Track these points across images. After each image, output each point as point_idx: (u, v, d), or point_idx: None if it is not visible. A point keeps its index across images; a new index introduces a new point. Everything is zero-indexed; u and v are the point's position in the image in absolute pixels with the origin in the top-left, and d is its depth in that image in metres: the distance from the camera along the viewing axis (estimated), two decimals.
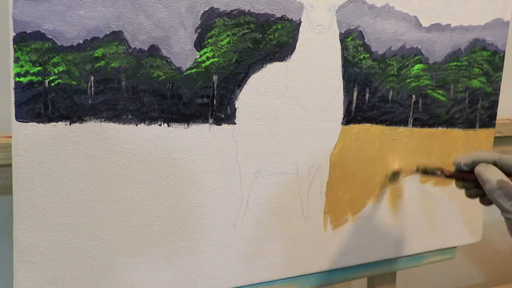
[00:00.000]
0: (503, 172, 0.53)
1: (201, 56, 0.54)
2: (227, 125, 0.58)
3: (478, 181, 0.54)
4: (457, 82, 0.74)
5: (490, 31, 0.76)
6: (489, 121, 0.80)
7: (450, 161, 0.77)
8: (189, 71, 0.54)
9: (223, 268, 0.61)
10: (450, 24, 0.72)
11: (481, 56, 0.76)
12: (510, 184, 0.52)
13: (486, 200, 0.57)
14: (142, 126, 0.53)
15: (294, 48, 0.60)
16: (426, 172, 0.65)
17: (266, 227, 0.63)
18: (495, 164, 0.54)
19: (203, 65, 0.55)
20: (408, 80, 0.70)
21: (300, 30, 0.60)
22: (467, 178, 0.58)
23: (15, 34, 0.45)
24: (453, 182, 0.61)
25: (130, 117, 0.52)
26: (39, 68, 0.47)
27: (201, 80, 0.55)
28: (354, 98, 0.66)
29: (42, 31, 0.46)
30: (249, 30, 0.57)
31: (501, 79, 0.79)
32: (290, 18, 0.59)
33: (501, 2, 0.76)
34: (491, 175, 0.53)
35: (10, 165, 0.49)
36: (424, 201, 0.76)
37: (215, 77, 0.56)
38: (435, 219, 0.78)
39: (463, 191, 0.61)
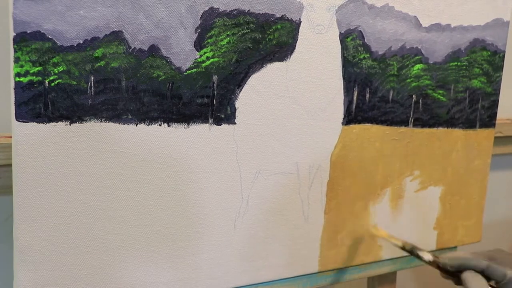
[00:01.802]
0: (493, 280, 0.52)
1: (201, 56, 0.54)
2: (227, 125, 0.58)
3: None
4: (457, 82, 0.74)
5: (490, 31, 0.76)
6: (489, 121, 0.80)
7: (450, 162, 0.77)
8: (189, 71, 0.54)
9: (223, 268, 0.61)
10: (450, 24, 0.72)
11: (481, 56, 0.76)
12: None
13: None
14: (142, 126, 0.53)
15: (294, 48, 0.60)
16: (412, 252, 0.63)
17: (266, 227, 0.63)
18: (482, 272, 0.53)
19: (203, 65, 0.55)
20: (409, 80, 0.70)
21: (300, 30, 0.60)
22: (452, 277, 0.56)
23: (15, 34, 0.45)
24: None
25: (130, 117, 0.52)
26: (39, 68, 0.47)
27: (201, 80, 0.55)
28: (355, 98, 0.66)
29: (42, 31, 0.46)
30: (249, 30, 0.57)
31: (501, 79, 0.79)
32: (290, 18, 0.59)
33: (501, 2, 0.76)
34: (478, 286, 0.51)
35: (10, 165, 0.49)
36: (424, 201, 0.76)
37: (215, 77, 0.56)
38: (435, 219, 0.78)
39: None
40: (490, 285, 0.52)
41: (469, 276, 0.52)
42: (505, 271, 0.51)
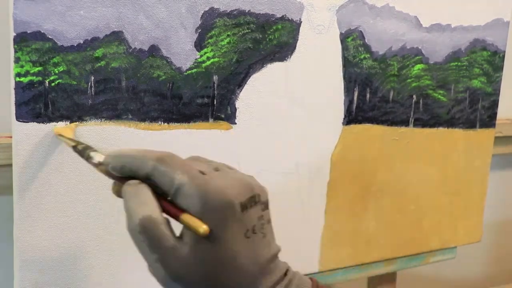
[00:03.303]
0: (160, 191, 0.36)
1: (201, 56, 0.54)
2: (228, 125, 0.58)
3: None
4: (458, 82, 0.74)
5: (490, 31, 0.76)
6: (489, 121, 0.80)
7: (450, 162, 0.77)
8: (189, 71, 0.54)
9: None
10: (450, 24, 0.72)
11: (481, 56, 0.76)
12: (159, 227, 0.34)
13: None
14: (142, 126, 0.53)
15: (295, 48, 0.60)
16: (82, 153, 0.43)
17: None
18: (149, 178, 0.36)
19: (203, 65, 0.55)
20: (409, 80, 0.70)
21: (300, 30, 0.60)
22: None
23: (15, 34, 0.45)
24: None
25: (130, 117, 0.52)
26: (39, 68, 0.47)
27: (202, 80, 0.55)
28: (355, 98, 0.66)
29: (42, 31, 0.46)
30: (250, 30, 0.57)
31: (501, 79, 0.79)
32: (290, 18, 0.59)
33: (501, 2, 0.76)
34: (139, 206, 0.34)
35: (10, 165, 0.49)
36: (424, 201, 0.76)
37: (215, 77, 0.56)
38: (435, 219, 0.78)
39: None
40: (165, 198, 0.36)
41: (129, 192, 0.35)
42: (173, 176, 0.35)
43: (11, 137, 0.48)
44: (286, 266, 0.40)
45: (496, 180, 1.10)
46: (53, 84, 0.48)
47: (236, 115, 0.58)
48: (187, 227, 0.34)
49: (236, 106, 0.58)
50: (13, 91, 0.46)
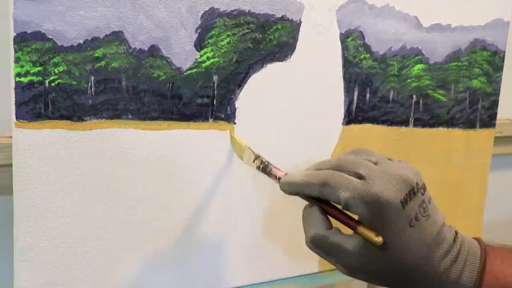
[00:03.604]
0: (333, 203, 0.42)
1: (201, 56, 0.54)
2: (228, 125, 0.58)
3: None
4: (458, 82, 0.74)
5: (490, 31, 0.76)
6: (489, 121, 0.80)
7: (450, 162, 0.77)
8: (189, 71, 0.54)
9: (223, 268, 0.61)
10: (450, 24, 0.72)
11: (481, 56, 0.76)
12: (327, 240, 0.41)
13: None
14: (142, 126, 0.53)
15: (295, 48, 0.60)
16: (262, 170, 0.51)
17: (267, 227, 0.63)
18: (319, 198, 0.42)
19: (203, 65, 0.55)
20: (409, 80, 0.70)
21: (300, 30, 0.60)
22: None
23: (15, 34, 0.45)
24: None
25: (130, 117, 0.52)
26: (39, 68, 0.47)
27: (201, 80, 0.55)
28: (355, 98, 0.66)
29: (42, 31, 0.46)
30: (249, 30, 0.57)
31: (501, 79, 0.79)
32: (290, 18, 0.59)
33: (501, 2, 0.76)
34: (308, 228, 0.43)
35: (10, 165, 0.49)
36: None
37: (215, 77, 0.56)
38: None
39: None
40: (342, 212, 0.42)
41: (303, 216, 0.43)
42: (338, 195, 0.40)
43: (11, 137, 0.48)
44: (452, 231, 0.42)
45: (496, 180, 1.10)
46: (53, 84, 0.48)
47: (236, 115, 0.58)
48: (364, 238, 0.40)
49: (236, 106, 0.58)
50: (13, 91, 0.46)
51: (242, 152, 0.56)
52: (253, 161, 0.52)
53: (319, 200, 0.43)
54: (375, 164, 0.42)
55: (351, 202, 0.40)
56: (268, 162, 0.51)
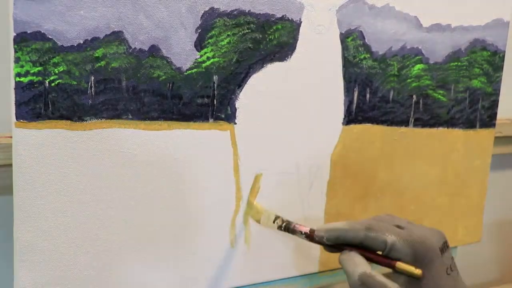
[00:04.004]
0: (373, 251, 0.46)
1: (201, 56, 0.54)
2: (228, 125, 0.58)
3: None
4: (458, 82, 0.74)
5: (490, 31, 0.76)
6: (489, 121, 0.80)
7: (450, 162, 0.77)
8: (190, 71, 0.54)
9: (224, 268, 0.61)
10: (450, 24, 0.72)
11: (481, 56, 0.76)
12: (374, 278, 0.44)
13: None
14: (142, 126, 0.53)
15: (295, 48, 0.60)
16: (285, 228, 0.53)
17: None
18: (362, 244, 0.46)
19: (204, 65, 0.55)
20: (409, 80, 0.70)
21: (300, 30, 0.60)
22: (336, 250, 0.49)
23: (15, 34, 0.45)
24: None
25: (130, 117, 0.52)
26: (39, 68, 0.47)
27: (202, 80, 0.55)
28: (355, 98, 0.66)
29: (42, 31, 0.46)
30: (250, 30, 0.57)
31: (501, 79, 0.79)
32: (290, 18, 0.59)
33: (501, 2, 0.76)
34: (354, 267, 0.45)
35: (10, 165, 0.49)
36: (424, 201, 0.76)
37: (215, 77, 0.56)
38: (435, 219, 0.78)
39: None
40: (379, 255, 0.46)
41: (344, 255, 0.47)
42: (385, 239, 0.45)
43: (11, 137, 0.48)
44: None
45: (496, 180, 1.10)
46: (53, 84, 0.48)
47: (236, 115, 0.58)
48: (403, 272, 0.44)
49: (236, 106, 0.58)
50: (13, 91, 0.46)
51: (260, 215, 0.58)
52: (274, 222, 0.55)
53: (352, 246, 0.47)
54: (408, 223, 0.48)
55: (396, 245, 0.44)
56: (289, 220, 0.54)
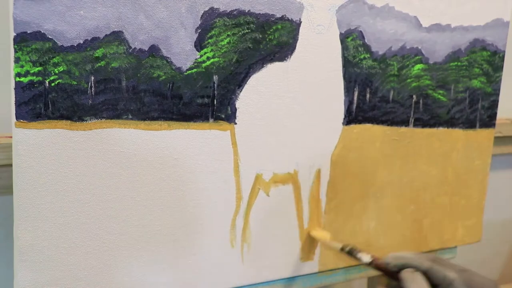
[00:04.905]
0: (433, 282, 0.49)
1: (201, 56, 0.54)
2: (228, 125, 0.58)
3: None
4: (458, 82, 0.74)
5: (490, 31, 0.76)
6: (489, 121, 0.80)
7: (450, 162, 0.77)
8: (190, 71, 0.54)
9: (223, 268, 0.61)
10: (450, 24, 0.72)
11: (481, 56, 0.76)
12: None
13: None
14: (142, 126, 0.53)
15: (294, 48, 0.60)
16: (351, 254, 0.58)
17: (267, 227, 0.63)
18: (425, 272, 0.49)
19: (204, 65, 0.55)
20: (409, 80, 0.70)
21: (300, 30, 0.60)
22: (395, 277, 0.52)
23: (15, 34, 0.45)
24: None
25: (130, 117, 0.52)
26: (39, 68, 0.47)
27: (202, 80, 0.55)
28: (355, 98, 0.66)
29: (42, 31, 0.46)
30: (249, 30, 0.57)
31: (501, 79, 0.79)
32: (290, 18, 0.59)
33: (501, 2, 0.76)
34: (417, 286, 0.48)
35: (10, 165, 0.49)
36: (424, 201, 0.76)
37: (215, 77, 0.56)
38: (435, 219, 0.78)
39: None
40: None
41: (408, 276, 0.49)
42: (446, 273, 0.48)
43: (11, 137, 0.48)
44: None
45: (496, 180, 1.10)
46: (53, 84, 0.48)
47: (236, 115, 0.58)
48: None
49: (236, 106, 0.58)
50: (13, 91, 0.46)
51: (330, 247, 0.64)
52: (341, 249, 0.60)
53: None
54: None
55: (455, 283, 0.47)
56: (353, 247, 0.59)
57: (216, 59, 0.55)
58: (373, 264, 0.55)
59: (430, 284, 0.48)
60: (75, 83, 0.49)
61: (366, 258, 0.55)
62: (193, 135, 0.56)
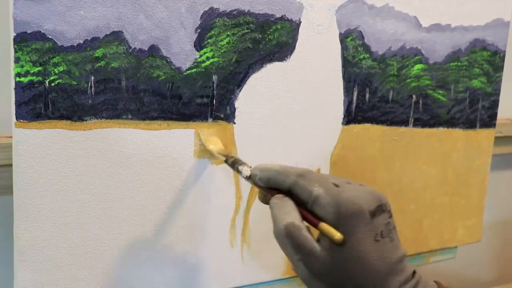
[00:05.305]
0: (300, 200, 0.41)
1: (201, 56, 0.54)
2: (227, 124, 0.58)
3: None
4: (458, 82, 0.74)
5: (490, 31, 0.76)
6: (489, 121, 0.80)
7: (450, 162, 0.77)
8: (189, 71, 0.54)
9: (223, 268, 0.61)
10: (450, 24, 0.72)
11: (481, 56, 0.76)
12: (301, 232, 0.40)
13: None
14: (142, 125, 0.53)
15: (294, 48, 0.60)
16: (233, 166, 0.52)
17: (267, 227, 0.63)
18: (290, 191, 0.42)
19: (203, 65, 0.55)
20: (408, 80, 0.70)
21: (299, 30, 0.60)
22: (267, 198, 0.45)
23: (15, 34, 0.45)
24: None
25: (130, 117, 0.52)
26: (39, 68, 0.47)
27: (201, 80, 0.55)
28: (354, 98, 0.66)
29: (42, 31, 0.46)
30: (249, 30, 0.57)
31: (501, 79, 0.79)
32: (289, 18, 0.59)
33: (501, 2, 0.76)
34: (283, 214, 0.41)
35: (10, 165, 0.49)
36: (424, 201, 0.76)
37: (215, 77, 0.56)
38: (435, 219, 0.78)
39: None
40: (307, 210, 0.41)
41: (275, 199, 0.42)
42: (312, 189, 0.40)
43: (11, 137, 0.48)
44: (413, 268, 0.42)
45: (496, 180, 1.10)
46: (53, 84, 0.48)
47: (236, 115, 0.58)
48: (324, 234, 0.39)
49: (236, 106, 0.58)
50: (13, 91, 0.46)
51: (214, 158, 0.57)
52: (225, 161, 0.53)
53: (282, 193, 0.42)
54: (348, 183, 0.43)
55: (321, 199, 0.40)
56: (238, 159, 0.52)
57: (215, 59, 0.55)
58: (250, 180, 0.47)
59: (297, 202, 0.41)
60: (75, 83, 0.49)
61: (246, 172, 0.48)
62: (192, 135, 0.56)
